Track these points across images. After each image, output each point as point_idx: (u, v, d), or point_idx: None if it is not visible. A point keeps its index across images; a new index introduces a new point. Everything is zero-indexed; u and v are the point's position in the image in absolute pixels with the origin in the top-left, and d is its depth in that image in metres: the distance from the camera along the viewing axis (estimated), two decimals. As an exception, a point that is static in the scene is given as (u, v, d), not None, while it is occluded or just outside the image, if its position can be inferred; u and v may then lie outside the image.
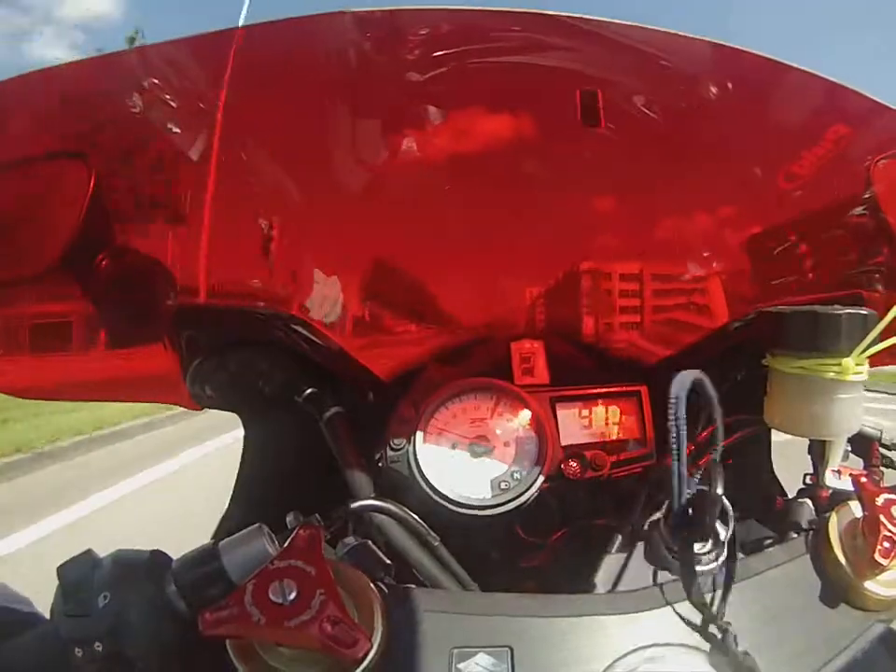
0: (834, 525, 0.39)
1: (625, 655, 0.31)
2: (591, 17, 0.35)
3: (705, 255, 0.53)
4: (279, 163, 0.43)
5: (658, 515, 0.41)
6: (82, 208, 0.39)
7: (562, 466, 0.54)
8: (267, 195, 0.44)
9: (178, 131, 0.39)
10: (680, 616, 0.33)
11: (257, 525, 0.36)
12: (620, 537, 0.43)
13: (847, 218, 0.47)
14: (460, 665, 0.30)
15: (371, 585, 0.33)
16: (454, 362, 0.60)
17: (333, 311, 0.54)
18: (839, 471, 0.43)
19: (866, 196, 0.45)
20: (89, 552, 0.35)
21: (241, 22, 0.35)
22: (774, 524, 0.43)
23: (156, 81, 0.36)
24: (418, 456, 0.52)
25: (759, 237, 0.51)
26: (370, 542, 0.38)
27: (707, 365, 0.58)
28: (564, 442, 0.55)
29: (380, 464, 0.55)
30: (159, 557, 0.36)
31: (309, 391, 0.56)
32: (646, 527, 0.41)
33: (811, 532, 0.38)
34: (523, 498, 0.51)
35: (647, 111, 0.41)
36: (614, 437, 0.58)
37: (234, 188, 0.43)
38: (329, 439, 0.55)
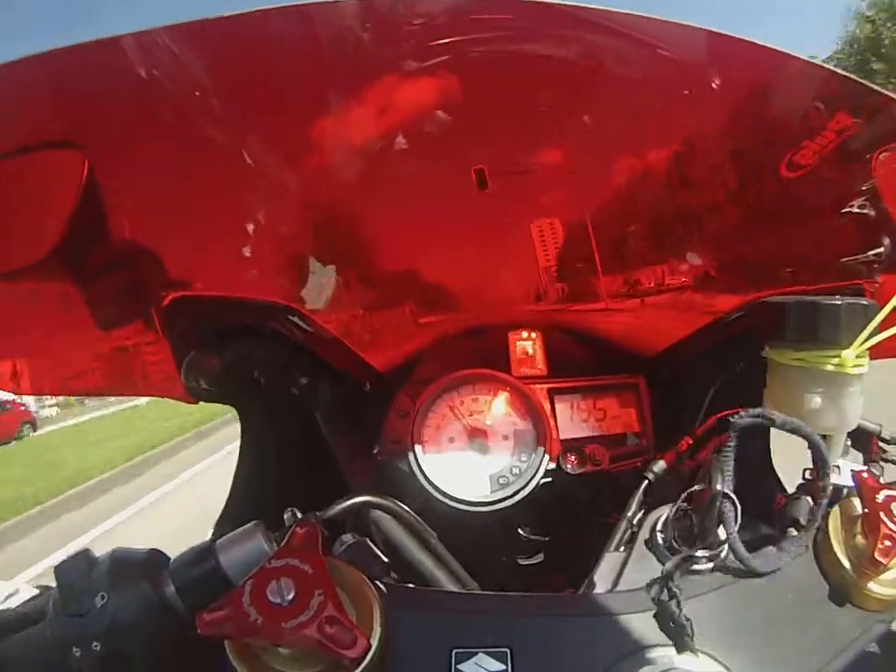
0: (835, 523, 0.38)
1: (625, 655, 0.31)
2: (589, 6, 0.35)
3: (704, 244, 0.52)
4: (274, 151, 0.42)
5: (660, 514, 0.40)
6: (76, 199, 0.38)
7: (560, 460, 0.53)
8: (262, 184, 0.44)
9: (173, 118, 0.38)
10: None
11: (253, 522, 0.36)
12: (620, 534, 0.42)
13: (849, 209, 0.47)
14: (460, 666, 0.30)
15: (370, 584, 0.32)
16: (451, 353, 0.60)
17: (329, 301, 0.53)
18: (838, 466, 0.43)
19: (868, 187, 0.45)
20: (86, 551, 0.35)
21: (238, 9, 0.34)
22: (773, 520, 0.42)
23: (150, 68, 0.35)
24: (416, 451, 0.52)
25: (759, 227, 0.50)
26: (367, 540, 0.38)
27: (706, 356, 0.58)
28: (562, 436, 0.55)
29: (378, 457, 0.55)
30: (156, 556, 0.36)
31: (305, 382, 0.56)
32: (647, 525, 0.40)
33: (811, 530, 0.38)
34: (522, 494, 0.50)
35: (646, 100, 0.40)
36: (613, 430, 0.58)
37: (229, 176, 0.43)
38: (326, 431, 0.55)
